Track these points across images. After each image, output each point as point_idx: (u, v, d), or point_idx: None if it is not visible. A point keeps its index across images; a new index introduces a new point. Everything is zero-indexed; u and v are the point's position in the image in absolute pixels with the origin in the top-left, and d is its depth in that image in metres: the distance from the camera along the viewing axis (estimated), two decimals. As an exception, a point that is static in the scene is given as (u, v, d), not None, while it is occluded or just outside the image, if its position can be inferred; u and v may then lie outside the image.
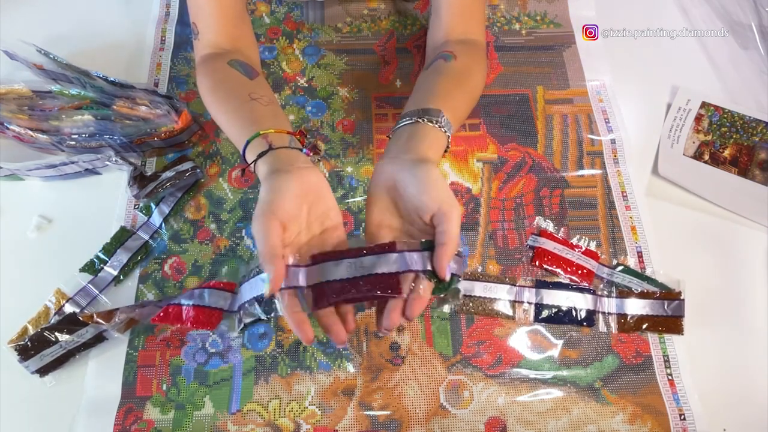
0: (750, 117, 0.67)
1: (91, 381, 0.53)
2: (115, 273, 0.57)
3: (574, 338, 0.56)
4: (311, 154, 0.49)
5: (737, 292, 0.59)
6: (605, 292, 0.57)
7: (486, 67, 0.61)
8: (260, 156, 0.45)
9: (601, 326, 0.56)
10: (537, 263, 0.59)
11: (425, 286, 0.41)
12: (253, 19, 0.74)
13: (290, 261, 0.41)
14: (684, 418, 0.53)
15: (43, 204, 0.62)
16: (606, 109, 0.70)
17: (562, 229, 0.61)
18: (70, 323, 0.52)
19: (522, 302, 0.57)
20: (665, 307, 0.57)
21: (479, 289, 0.57)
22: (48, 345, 0.52)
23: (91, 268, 0.57)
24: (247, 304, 0.45)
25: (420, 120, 0.48)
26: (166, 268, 0.58)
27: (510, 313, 0.56)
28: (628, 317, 0.56)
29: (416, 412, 0.53)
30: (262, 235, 0.40)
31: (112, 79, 0.63)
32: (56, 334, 0.52)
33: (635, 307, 0.57)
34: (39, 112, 0.60)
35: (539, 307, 0.56)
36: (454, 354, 0.55)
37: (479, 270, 0.59)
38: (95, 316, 0.51)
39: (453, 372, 0.54)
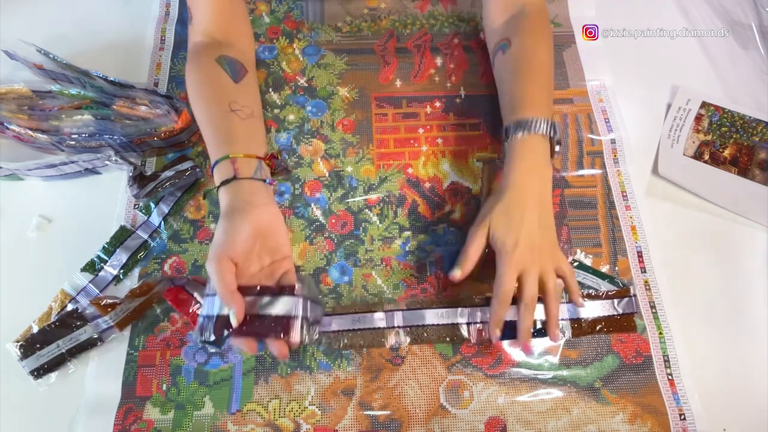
0: (750, 117, 0.67)
1: (91, 381, 0.53)
2: (116, 272, 0.57)
3: (574, 338, 0.56)
4: (274, 183, 0.52)
5: (737, 292, 0.59)
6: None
7: (548, 30, 0.62)
8: (224, 183, 0.50)
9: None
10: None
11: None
12: (253, 18, 0.74)
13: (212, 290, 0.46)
14: (684, 418, 0.53)
15: (43, 204, 0.62)
16: (606, 108, 0.70)
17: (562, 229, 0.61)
18: (70, 319, 0.53)
19: (476, 323, 0.55)
20: (615, 306, 0.56)
21: (433, 316, 0.56)
22: (48, 343, 0.52)
23: (92, 267, 0.57)
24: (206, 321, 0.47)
25: (510, 136, 0.54)
26: (166, 267, 0.58)
27: (466, 335, 0.55)
28: (582, 321, 0.56)
29: (416, 412, 0.53)
30: (220, 275, 0.45)
31: (112, 78, 0.63)
32: (57, 332, 0.53)
33: (587, 309, 0.56)
34: (39, 112, 0.60)
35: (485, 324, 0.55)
36: (454, 354, 0.55)
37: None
38: (104, 301, 0.53)
39: (453, 372, 0.54)
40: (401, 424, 0.52)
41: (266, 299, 0.46)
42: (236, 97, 0.56)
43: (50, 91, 0.62)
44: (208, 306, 0.47)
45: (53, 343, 0.53)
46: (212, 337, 0.45)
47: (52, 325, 0.53)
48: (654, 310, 0.58)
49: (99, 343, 0.54)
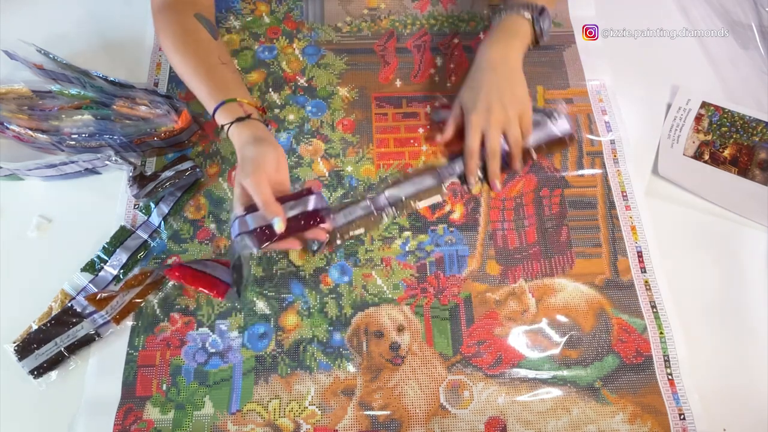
0: (750, 117, 0.67)
1: (91, 381, 0.53)
2: (116, 272, 0.57)
3: (574, 338, 0.56)
4: (271, 128, 0.60)
5: (737, 292, 0.59)
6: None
7: None
8: (239, 120, 0.54)
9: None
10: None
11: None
12: (253, 18, 0.74)
13: (241, 211, 0.51)
14: (684, 418, 0.53)
15: (43, 204, 0.62)
16: (606, 108, 0.70)
17: None
18: (66, 317, 0.53)
19: (445, 181, 0.60)
20: (554, 131, 0.61)
21: (412, 185, 0.60)
22: (45, 342, 0.53)
23: (92, 267, 0.57)
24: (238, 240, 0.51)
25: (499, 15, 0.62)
26: (167, 268, 0.58)
27: (441, 198, 0.61)
28: (528, 149, 0.61)
29: (416, 412, 0.53)
30: (260, 188, 0.49)
31: (112, 78, 0.63)
32: (54, 330, 0.53)
33: (531, 139, 0.61)
34: (39, 112, 0.60)
35: (462, 177, 0.60)
36: (454, 354, 0.55)
37: (481, 270, 0.59)
38: (98, 295, 0.53)
39: (453, 372, 0.54)
40: (401, 424, 0.52)
41: (291, 203, 0.51)
42: (220, 52, 0.61)
43: (50, 91, 0.62)
44: (240, 226, 0.50)
45: (51, 341, 0.53)
46: (255, 249, 0.50)
47: (48, 324, 0.53)
48: (654, 310, 0.58)
49: (97, 338, 0.54)
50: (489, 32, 0.63)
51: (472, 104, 0.58)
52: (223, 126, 0.55)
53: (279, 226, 0.48)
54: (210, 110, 0.56)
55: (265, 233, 0.49)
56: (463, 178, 0.60)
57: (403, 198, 0.59)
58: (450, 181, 0.60)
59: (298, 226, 0.51)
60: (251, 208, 0.51)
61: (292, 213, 0.51)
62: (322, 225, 0.52)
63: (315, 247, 0.58)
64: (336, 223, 0.57)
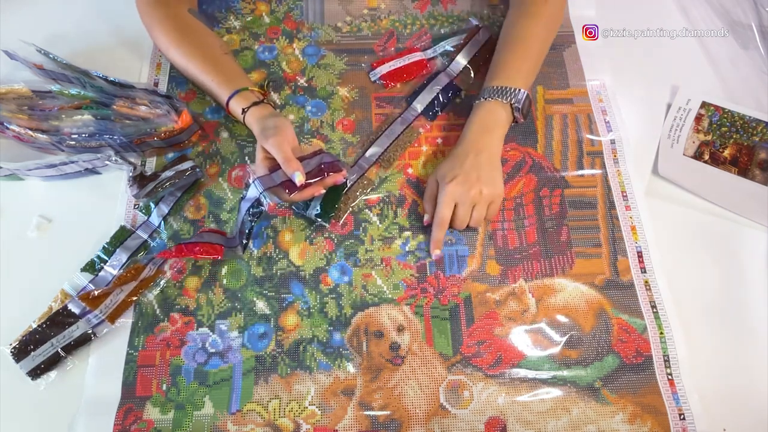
0: (750, 117, 0.67)
1: (90, 381, 0.53)
2: (115, 272, 0.57)
3: (574, 338, 0.56)
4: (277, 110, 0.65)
5: (737, 292, 0.59)
6: (444, 63, 0.70)
7: (548, 12, 0.66)
8: (255, 104, 0.60)
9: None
10: (388, 86, 0.69)
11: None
12: (252, 18, 0.74)
13: (266, 171, 0.56)
14: (684, 418, 0.53)
15: (43, 204, 0.62)
16: (606, 109, 0.70)
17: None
18: (60, 317, 0.53)
19: (413, 119, 0.66)
20: (479, 40, 0.70)
21: (386, 138, 0.65)
22: (41, 343, 0.53)
23: (92, 267, 0.57)
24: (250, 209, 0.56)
25: (480, 100, 0.62)
26: (166, 267, 0.58)
27: (422, 130, 0.66)
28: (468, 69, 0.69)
29: (416, 412, 0.53)
30: (284, 147, 0.55)
31: (112, 78, 0.63)
32: (49, 331, 0.53)
33: (463, 57, 0.70)
34: (39, 112, 0.60)
35: (427, 109, 0.67)
36: (454, 354, 0.55)
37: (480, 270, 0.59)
38: (92, 294, 0.53)
39: (453, 372, 0.54)
40: (401, 424, 0.52)
41: (307, 161, 0.57)
42: (220, 42, 0.66)
43: (50, 91, 0.62)
44: (266, 182, 0.55)
45: (47, 342, 0.53)
46: (278, 201, 0.58)
47: (44, 325, 0.53)
48: (654, 310, 0.58)
49: (93, 338, 0.54)
50: (472, 117, 0.62)
51: (451, 176, 0.57)
52: (243, 109, 0.59)
53: (299, 179, 0.54)
54: (223, 100, 0.61)
55: (292, 184, 0.55)
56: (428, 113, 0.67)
57: (384, 151, 0.64)
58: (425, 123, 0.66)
59: (318, 174, 0.56)
60: (272, 170, 0.56)
61: (308, 168, 0.56)
62: (340, 172, 0.57)
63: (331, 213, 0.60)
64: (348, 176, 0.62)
